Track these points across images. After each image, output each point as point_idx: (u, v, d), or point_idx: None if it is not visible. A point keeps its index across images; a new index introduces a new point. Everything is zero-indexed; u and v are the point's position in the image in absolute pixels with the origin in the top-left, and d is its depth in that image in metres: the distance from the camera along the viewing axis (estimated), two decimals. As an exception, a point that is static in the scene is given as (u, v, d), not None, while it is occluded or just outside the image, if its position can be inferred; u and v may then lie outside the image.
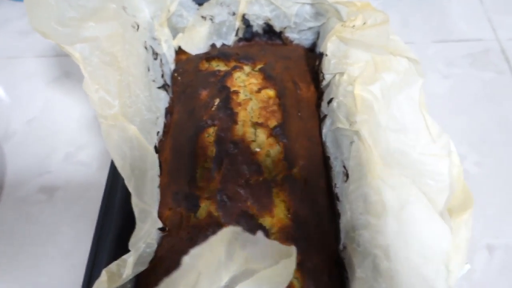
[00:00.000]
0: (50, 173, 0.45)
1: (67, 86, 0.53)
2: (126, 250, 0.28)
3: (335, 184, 0.34)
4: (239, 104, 0.35)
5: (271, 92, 0.36)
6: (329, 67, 0.37)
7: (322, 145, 0.37)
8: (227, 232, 0.20)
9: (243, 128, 0.34)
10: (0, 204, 0.43)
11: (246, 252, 0.21)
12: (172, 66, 0.44)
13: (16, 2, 0.63)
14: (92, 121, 0.49)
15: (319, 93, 0.40)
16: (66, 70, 0.54)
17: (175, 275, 0.19)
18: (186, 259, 0.20)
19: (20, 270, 0.39)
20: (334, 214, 0.34)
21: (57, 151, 0.47)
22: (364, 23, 0.37)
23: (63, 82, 0.53)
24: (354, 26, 0.37)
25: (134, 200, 0.27)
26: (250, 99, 0.36)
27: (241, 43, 0.45)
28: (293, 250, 0.22)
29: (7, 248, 0.40)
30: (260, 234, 0.21)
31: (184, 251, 0.30)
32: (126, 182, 0.28)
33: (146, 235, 0.28)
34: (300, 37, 0.45)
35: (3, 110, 0.51)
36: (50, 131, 0.48)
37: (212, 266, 0.20)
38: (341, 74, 0.36)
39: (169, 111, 0.39)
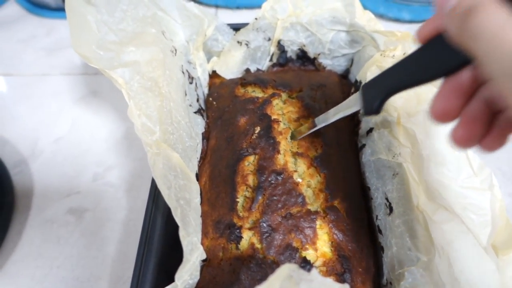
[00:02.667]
0: (78, 194, 0.44)
1: (95, 105, 0.52)
2: (169, 277, 0.27)
3: (377, 216, 0.34)
4: (280, 133, 0.35)
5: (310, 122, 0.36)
6: (368, 97, 0.37)
7: (361, 175, 0.37)
8: (284, 269, 0.20)
9: (285, 157, 0.34)
10: (28, 225, 0.42)
11: (300, 289, 0.22)
12: (206, 90, 0.43)
13: (43, 18, 0.63)
14: (120, 141, 0.48)
15: (355, 121, 0.40)
16: (93, 89, 0.54)
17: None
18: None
19: (49, 295, 0.38)
20: (375, 247, 0.33)
21: (85, 172, 0.46)
22: (404, 53, 0.37)
23: (90, 101, 0.53)
24: (394, 56, 0.37)
25: (182, 233, 0.27)
26: (289, 128, 0.36)
27: (275, 68, 0.45)
28: None
29: (35, 270, 0.39)
30: (314, 271, 0.21)
31: (226, 283, 0.29)
32: (173, 213, 0.27)
33: (193, 267, 0.28)
34: (333, 63, 0.45)
35: (30, 128, 0.50)
36: (78, 151, 0.48)
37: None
38: (381, 104, 0.36)
39: (205, 137, 0.38)
